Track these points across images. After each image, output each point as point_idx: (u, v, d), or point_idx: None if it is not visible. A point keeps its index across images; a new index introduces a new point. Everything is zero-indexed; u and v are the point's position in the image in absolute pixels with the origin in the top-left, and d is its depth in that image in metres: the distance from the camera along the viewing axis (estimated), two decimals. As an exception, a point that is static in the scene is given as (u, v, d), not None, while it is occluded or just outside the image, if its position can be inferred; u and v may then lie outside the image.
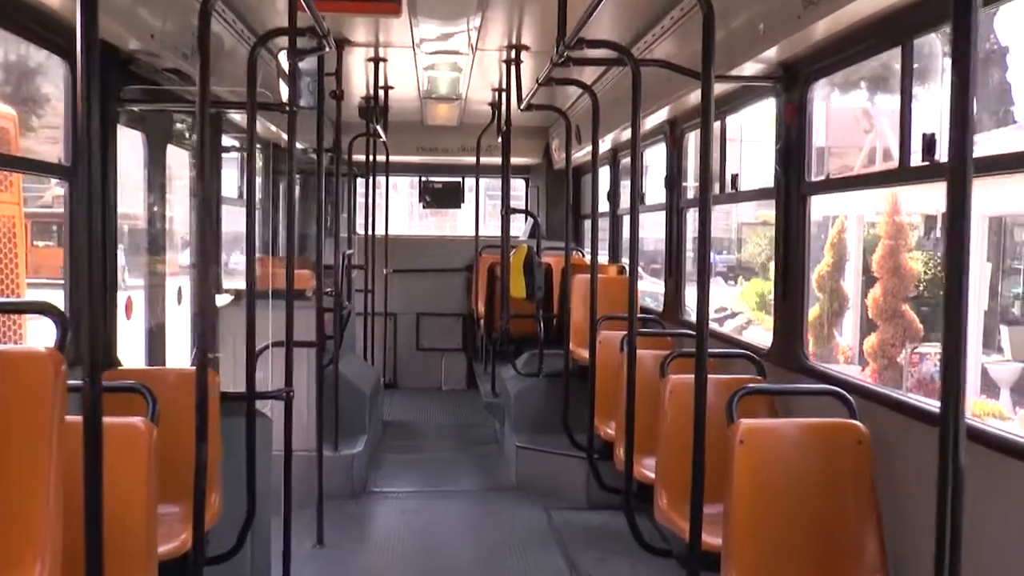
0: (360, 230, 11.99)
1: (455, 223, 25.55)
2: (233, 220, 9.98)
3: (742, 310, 23.72)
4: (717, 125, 7.08)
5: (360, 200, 12.04)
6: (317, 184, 6.40)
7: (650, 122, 8.12)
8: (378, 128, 9.88)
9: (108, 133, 5.07)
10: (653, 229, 14.24)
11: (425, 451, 9.33)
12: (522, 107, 7.79)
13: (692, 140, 7.85)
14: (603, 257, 12.13)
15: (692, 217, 7.86)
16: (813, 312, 21.86)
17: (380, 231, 12.09)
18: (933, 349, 15.97)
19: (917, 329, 17.41)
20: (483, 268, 10.98)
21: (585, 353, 7.60)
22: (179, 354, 7.10)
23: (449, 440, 9.84)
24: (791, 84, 5.19)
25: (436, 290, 12.64)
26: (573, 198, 12.72)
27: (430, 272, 12.61)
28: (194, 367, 4.55)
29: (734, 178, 6.37)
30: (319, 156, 6.32)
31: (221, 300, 7.62)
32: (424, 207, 13.44)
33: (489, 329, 9.92)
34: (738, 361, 5.38)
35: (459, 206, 13.43)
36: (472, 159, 11.60)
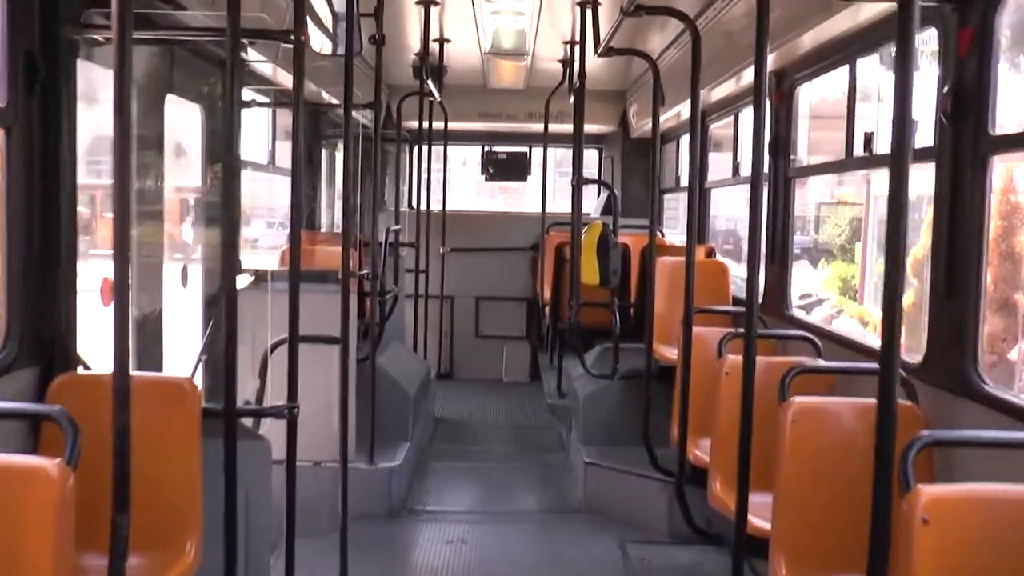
0: (415, 204, 10.87)
1: (525, 201, 24.36)
2: (258, 188, 8.91)
3: (828, 297, 22.06)
4: (838, 73, 5.73)
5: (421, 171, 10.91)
6: (345, 148, 5.18)
7: (748, 76, 6.76)
8: (431, 87, 8.64)
9: (61, 68, 3.90)
10: (724, 206, 12.91)
11: (479, 458, 8.12)
12: (599, 52, 6.48)
13: (804, 95, 6.48)
14: (676, 237, 10.79)
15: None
16: (907, 300, 20.19)
17: (437, 206, 10.97)
18: None
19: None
20: (550, 248, 9.74)
21: (671, 353, 6.33)
22: (184, 353, 5.97)
23: (508, 445, 8.62)
24: (967, 2, 3.81)
25: (498, 272, 11.42)
26: (656, 168, 11.35)
27: (491, 251, 11.40)
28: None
29: (868, 139, 4.97)
30: (346, 113, 5.10)
31: (240, 282, 6.50)
32: (487, 179, 12.20)
33: (555, 318, 8.64)
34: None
35: (525, 178, 12.17)
36: (539, 127, 10.31)
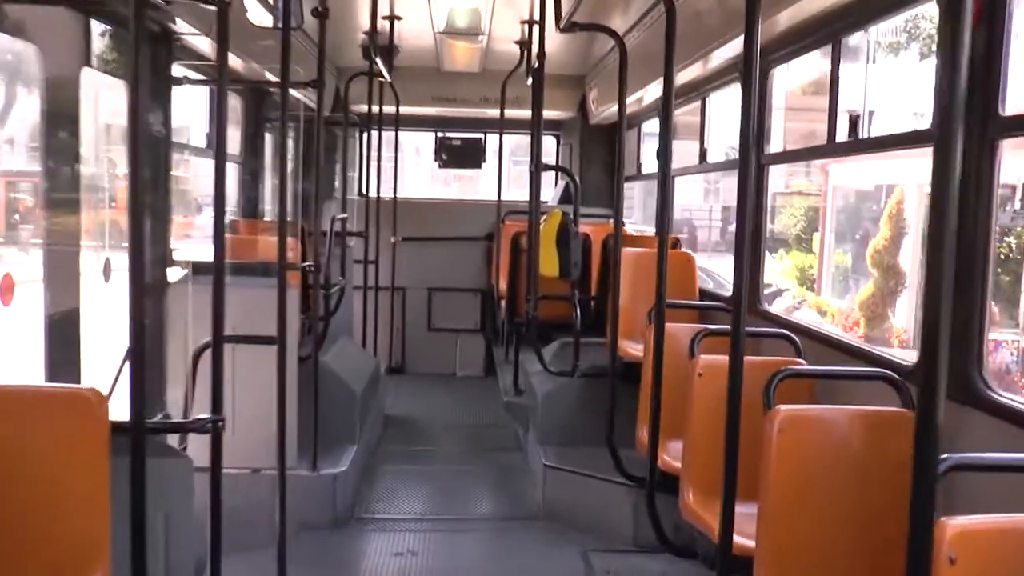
0: (367, 192, 10.41)
1: (479, 190, 23.97)
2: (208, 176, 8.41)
3: (787, 287, 21.88)
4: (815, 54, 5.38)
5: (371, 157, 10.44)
6: (281, 129, 4.72)
7: (717, 58, 6.39)
8: (381, 67, 8.17)
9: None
10: (684, 196, 12.62)
11: (432, 460, 7.70)
12: (562, 27, 6.06)
13: (780, 77, 6.12)
14: (632, 226, 10.45)
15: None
16: (866, 291, 20.13)
17: (388, 193, 10.51)
18: (1011, 336, 14.20)
19: (991, 313, 15.55)
20: (506, 237, 9.32)
21: (635, 349, 5.96)
22: (107, 361, 5.45)
23: (462, 445, 8.20)
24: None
25: (451, 262, 10.99)
26: (621, 154, 10.96)
27: (444, 241, 10.96)
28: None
29: (854, 122, 4.62)
30: (283, 91, 4.64)
31: (172, 276, 6.02)
32: (440, 166, 11.73)
33: (512, 311, 8.22)
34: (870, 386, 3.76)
35: (479, 165, 11.71)
36: (495, 112, 9.88)
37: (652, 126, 9.68)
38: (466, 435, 8.49)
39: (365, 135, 11.51)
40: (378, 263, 9.76)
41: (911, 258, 18.26)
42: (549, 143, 12.30)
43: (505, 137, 10.23)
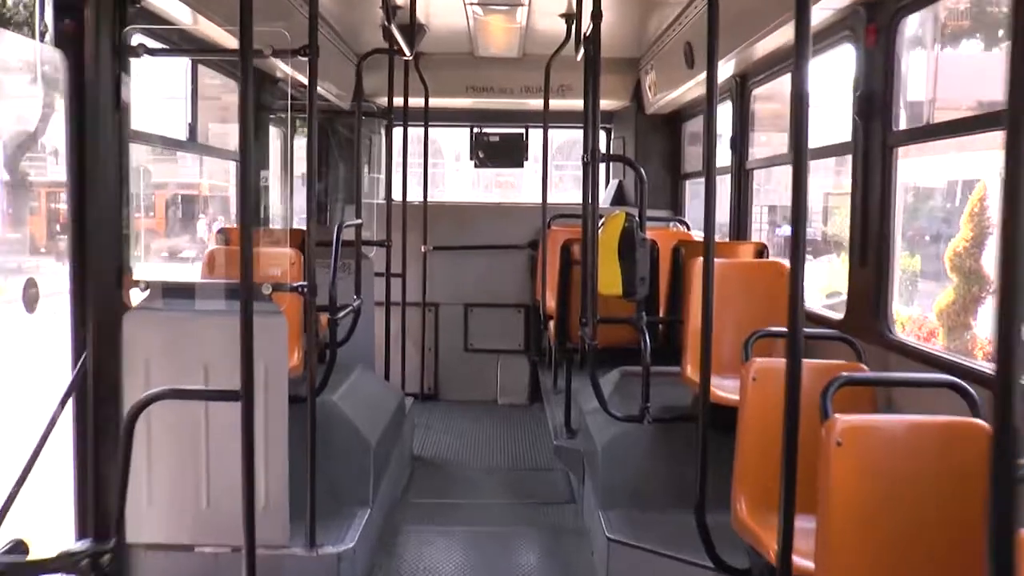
0: (389, 196, 9.17)
1: (521, 195, 22.62)
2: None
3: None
4: None
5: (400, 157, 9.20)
6: (240, 106, 3.45)
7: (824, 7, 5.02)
8: (401, 43, 6.88)
9: None
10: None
11: (467, 518, 6.34)
12: None
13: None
14: (692, 229, 9.02)
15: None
16: (944, 298, 18.50)
17: (415, 197, 9.25)
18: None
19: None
20: (553, 245, 7.99)
21: (724, 389, 4.62)
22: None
23: (504, 494, 6.84)
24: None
25: (489, 274, 9.67)
26: (682, 146, 9.62)
27: (482, 250, 9.63)
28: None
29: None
30: (245, 61, 3.35)
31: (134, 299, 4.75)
32: (476, 165, 10.41)
33: (563, 335, 6.82)
34: None
35: (521, 164, 10.38)
36: (538, 103, 8.55)
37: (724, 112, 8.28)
38: (509, 482, 7.13)
39: (390, 131, 10.28)
40: (405, 276, 8.47)
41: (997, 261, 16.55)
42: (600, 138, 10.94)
43: (550, 132, 8.90)
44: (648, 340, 5.19)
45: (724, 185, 7.58)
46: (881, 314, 4.54)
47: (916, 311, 19.32)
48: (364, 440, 5.45)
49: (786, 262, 5.90)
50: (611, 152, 10.64)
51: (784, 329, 3.12)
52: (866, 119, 4.76)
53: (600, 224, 5.25)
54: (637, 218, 5.24)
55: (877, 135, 4.69)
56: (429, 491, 6.83)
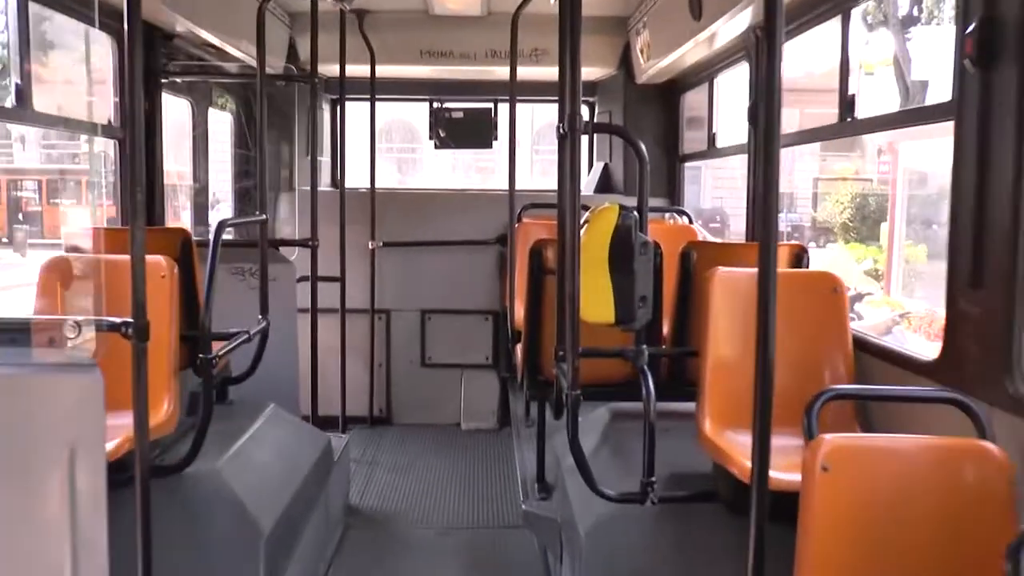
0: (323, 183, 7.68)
1: (499, 181, 21.00)
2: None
3: (869, 290, 18.60)
4: None
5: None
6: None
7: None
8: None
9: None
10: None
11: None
12: None
13: None
14: (695, 222, 7.53)
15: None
16: None
17: (357, 183, 7.76)
18: None
19: None
20: (523, 243, 6.48)
21: (778, 468, 3.09)
22: None
23: (460, 569, 5.30)
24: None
25: (451, 274, 8.14)
26: (681, 121, 8.04)
27: (442, 246, 8.09)
28: None
29: None
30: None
31: None
32: (437, 146, 8.83)
33: (533, 366, 5.19)
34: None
35: (489, 144, 8.81)
36: (507, 70, 7.03)
37: (734, 78, 6.77)
38: (469, 546, 5.59)
39: (329, 106, 8.73)
40: (344, 279, 6.93)
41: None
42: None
43: (530, 110, 7.34)
44: (652, 386, 3.66)
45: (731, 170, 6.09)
46: (1011, 361, 3.00)
47: (921, 306, 17.90)
48: (253, 525, 3.91)
49: (837, 273, 4.41)
50: (593, 134, 9.09)
51: (863, 388, 2.01)
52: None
53: (583, 220, 3.71)
54: (635, 213, 3.70)
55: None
56: (362, 566, 5.28)
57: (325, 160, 8.61)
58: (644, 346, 3.80)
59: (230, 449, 4.24)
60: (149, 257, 4.14)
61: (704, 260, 4.46)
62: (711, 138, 6.98)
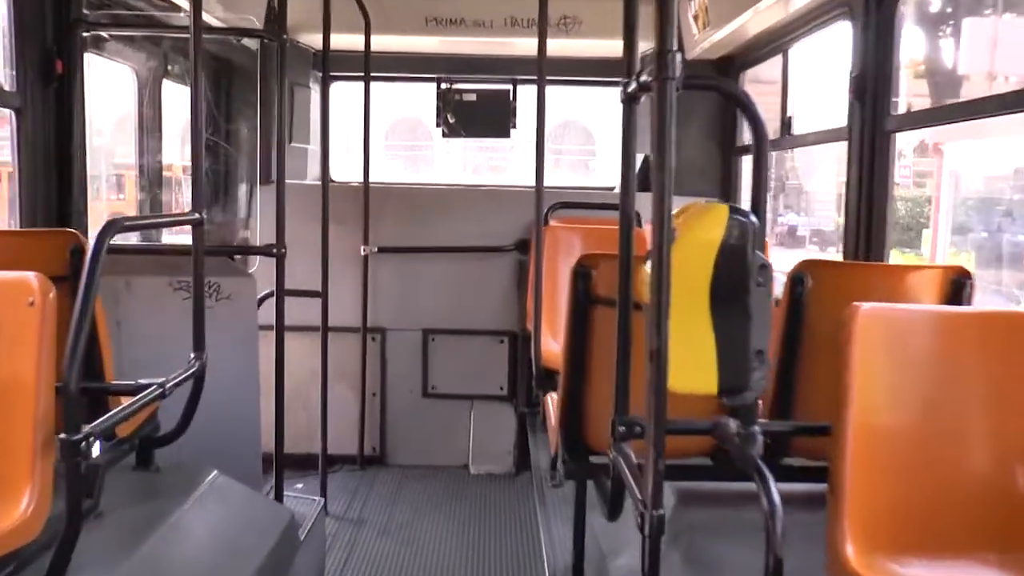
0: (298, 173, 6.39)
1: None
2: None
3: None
4: None
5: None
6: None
7: None
8: None
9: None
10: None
11: None
12: None
13: None
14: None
15: None
16: None
17: (345, 176, 6.47)
18: None
19: None
20: (551, 248, 5.17)
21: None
22: None
23: None
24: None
25: (460, 286, 6.79)
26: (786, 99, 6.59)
27: (449, 253, 6.75)
28: None
29: None
30: None
31: None
32: (445, 134, 7.45)
33: (574, 431, 3.56)
34: None
35: (506, 133, 7.43)
36: (530, 45, 5.70)
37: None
38: None
39: (320, 84, 7.40)
40: (327, 293, 5.61)
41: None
42: (612, 96, 7.98)
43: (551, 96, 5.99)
44: (775, 496, 2.27)
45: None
46: None
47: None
48: None
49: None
50: (631, 121, 7.69)
51: None
52: None
53: (673, 225, 2.32)
54: (753, 218, 2.32)
55: None
56: None
57: (314, 149, 7.25)
58: (756, 427, 2.42)
59: (135, 551, 2.90)
60: (7, 274, 2.81)
61: (824, 288, 3.08)
62: (785, 123, 5.58)
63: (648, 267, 2.41)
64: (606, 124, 9.34)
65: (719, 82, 3.96)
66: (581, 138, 19.18)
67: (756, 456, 2.41)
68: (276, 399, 4.62)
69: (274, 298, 4.57)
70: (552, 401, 3.91)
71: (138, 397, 2.93)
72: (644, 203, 5.92)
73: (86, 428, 2.46)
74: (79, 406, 2.57)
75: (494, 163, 20.79)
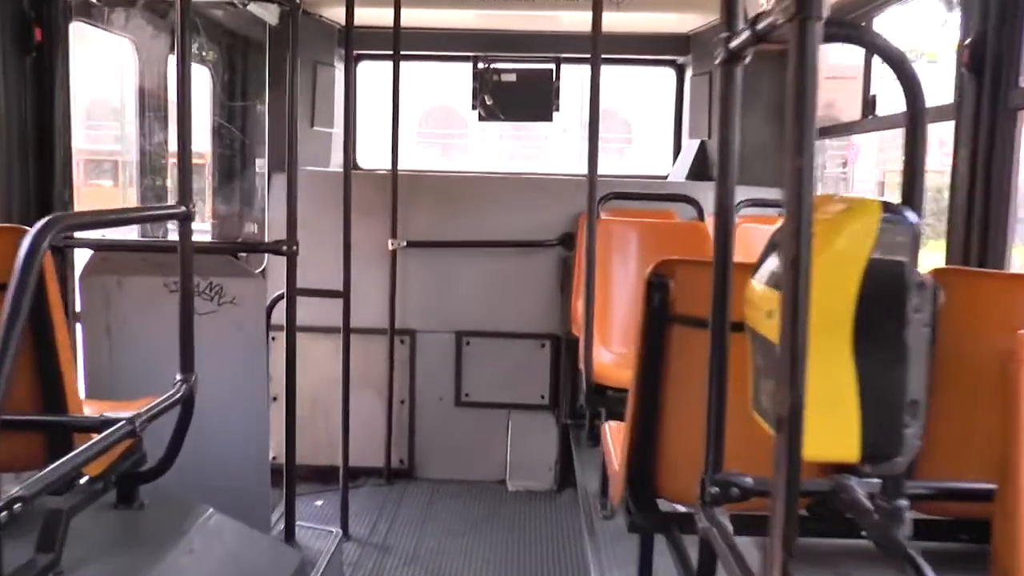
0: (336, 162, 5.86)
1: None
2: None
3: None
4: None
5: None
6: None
7: None
8: None
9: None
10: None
11: None
12: None
13: None
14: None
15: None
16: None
17: (374, 164, 5.89)
18: None
19: None
20: (604, 242, 4.57)
21: None
22: None
23: None
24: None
25: (498, 285, 6.18)
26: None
27: (486, 248, 6.14)
28: None
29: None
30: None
31: None
32: (481, 117, 6.84)
33: (643, 476, 2.88)
34: None
35: (549, 116, 6.80)
36: (578, 19, 5.02)
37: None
38: None
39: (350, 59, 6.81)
40: (349, 292, 5.05)
41: None
42: (654, 78, 7.31)
43: (583, 78, 5.35)
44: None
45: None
46: None
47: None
48: None
49: None
50: (681, 105, 7.04)
51: None
52: None
53: (811, 223, 1.69)
54: (909, 217, 1.69)
55: None
56: None
57: (339, 134, 6.68)
58: (904, 502, 1.80)
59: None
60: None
61: (960, 303, 2.44)
62: (868, 102, 4.91)
63: (760, 284, 1.79)
64: (640, 110, 8.64)
65: (863, 32, 3.18)
66: (615, 125, 18.46)
67: (904, 541, 1.79)
68: (287, 411, 4.06)
69: (285, 300, 4.00)
70: (611, 431, 3.28)
71: (101, 436, 2.37)
72: (700, 193, 5.22)
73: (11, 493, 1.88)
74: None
75: (528, 151, 20.09)
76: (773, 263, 1.74)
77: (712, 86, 6.36)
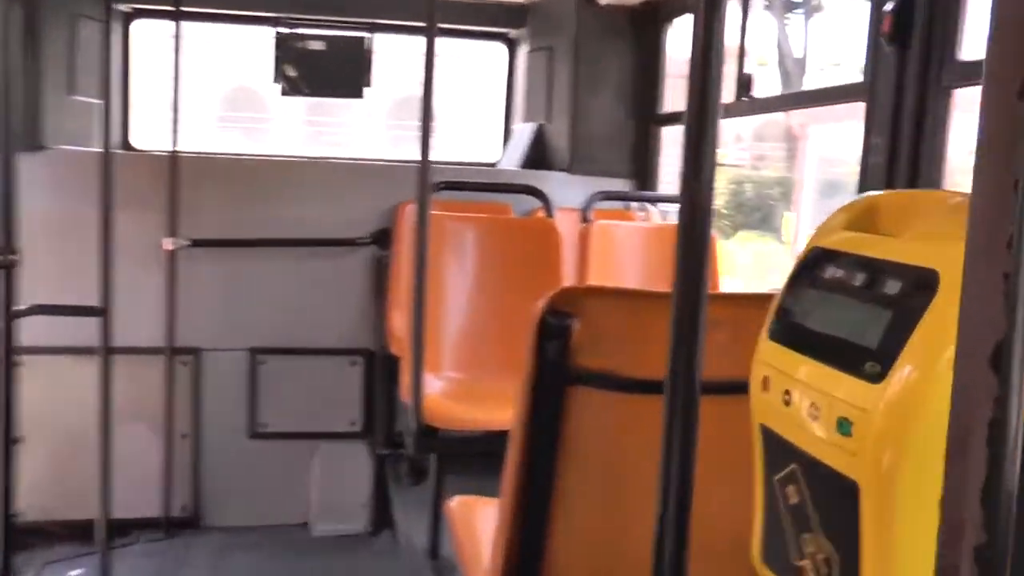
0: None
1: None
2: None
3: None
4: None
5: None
6: None
7: None
8: None
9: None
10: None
11: None
12: None
13: None
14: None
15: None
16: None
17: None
18: None
19: None
20: (437, 243, 3.64)
21: None
22: None
23: None
24: None
25: (299, 292, 5.17)
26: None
27: (284, 248, 5.12)
28: None
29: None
30: None
31: None
32: (284, 92, 5.79)
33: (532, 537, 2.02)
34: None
35: (359, 92, 5.83)
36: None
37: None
38: None
39: (121, 24, 5.67)
40: (109, 307, 3.97)
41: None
42: (487, 55, 6.46)
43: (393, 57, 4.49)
44: None
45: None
46: None
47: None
48: None
49: None
50: (512, 84, 6.22)
51: None
52: None
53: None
54: None
55: None
56: None
57: (99, 104, 5.49)
58: None
59: None
60: None
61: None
62: (743, 82, 4.21)
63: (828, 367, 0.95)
64: (461, 88, 7.78)
65: None
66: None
67: None
68: (3, 437, 2.99)
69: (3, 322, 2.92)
70: (460, 509, 2.37)
71: None
72: (546, 183, 4.31)
73: None
74: None
75: (327, 133, 18.92)
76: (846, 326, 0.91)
77: (554, 63, 5.57)
